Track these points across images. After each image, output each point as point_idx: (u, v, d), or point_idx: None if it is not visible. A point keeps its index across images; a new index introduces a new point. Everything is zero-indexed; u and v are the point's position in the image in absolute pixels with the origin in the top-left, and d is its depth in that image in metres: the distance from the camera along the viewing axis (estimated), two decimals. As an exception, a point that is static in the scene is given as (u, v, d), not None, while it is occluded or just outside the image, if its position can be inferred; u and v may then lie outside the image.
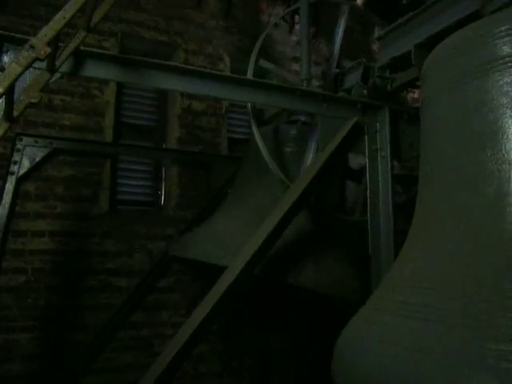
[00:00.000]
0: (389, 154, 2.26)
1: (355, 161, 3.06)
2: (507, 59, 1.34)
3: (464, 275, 1.16)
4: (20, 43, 1.60)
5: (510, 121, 1.29)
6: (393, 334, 1.23)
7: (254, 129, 2.58)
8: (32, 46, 1.27)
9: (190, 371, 3.59)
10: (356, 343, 1.35)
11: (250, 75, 2.56)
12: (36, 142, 3.21)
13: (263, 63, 2.91)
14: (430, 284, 1.24)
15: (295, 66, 4.41)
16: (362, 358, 1.29)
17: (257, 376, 3.62)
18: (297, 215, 2.09)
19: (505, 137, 1.29)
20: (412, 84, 2.42)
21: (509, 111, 1.30)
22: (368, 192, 2.26)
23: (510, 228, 1.13)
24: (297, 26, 4.31)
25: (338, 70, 2.83)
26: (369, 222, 2.22)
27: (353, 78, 2.70)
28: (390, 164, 2.25)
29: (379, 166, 2.27)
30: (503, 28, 1.38)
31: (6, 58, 1.67)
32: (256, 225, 2.24)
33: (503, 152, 1.27)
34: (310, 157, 2.58)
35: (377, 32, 2.57)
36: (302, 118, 2.99)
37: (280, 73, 3.42)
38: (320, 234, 2.72)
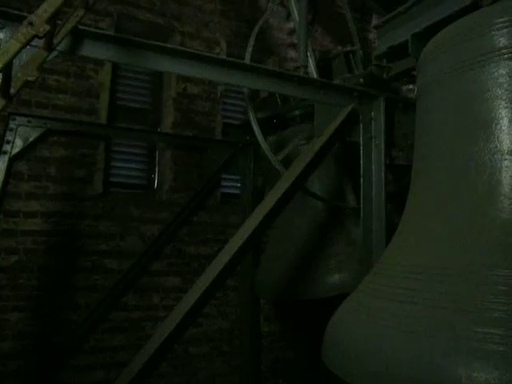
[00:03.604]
0: (383, 142, 2.28)
1: None
2: (503, 51, 1.36)
3: (454, 261, 1.19)
4: (17, 20, 1.58)
5: (503, 112, 1.32)
6: (382, 317, 1.27)
7: (252, 118, 2.59)
8: (31, 23, 1.26)
9: (181, 353, 3.64)
10: (346, 326, 1.39)
11: (247, 60, 2.56)
12: (29, 121, 3.19)
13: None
14: (420, 269, 1.27)
15: (291, 53, 4.40)
16: (351, 340, 1.32)
17: (247, 358, 3.67)
18: (290, 201, 2.11)
19: (498, 127, 1.31)
20: (408, 74, 2.44)
21: (503, 102, 1.33)
22: (361, 180, 2.29)
23: (500, 216, 1.17)
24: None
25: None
26: (361, 210, 2.25)
27: (338, 67, 2.74)
28: (383, 152, 2.27)
29: (373, 155, 2.29)
30: (500, 20, 1.39)
31: (1, 35, 1.65)
32: None
33: (496, 142, 1.30)
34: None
35: (374, 20, 2.58)
36: (297, 112, 2.99)
37: None
38: (331, 234, 2.76)
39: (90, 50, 1.76)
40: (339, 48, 2.74)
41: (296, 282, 2.70)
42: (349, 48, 2.74)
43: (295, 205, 2.61)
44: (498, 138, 1.29)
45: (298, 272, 2.70)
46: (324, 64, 2.90)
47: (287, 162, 2.61)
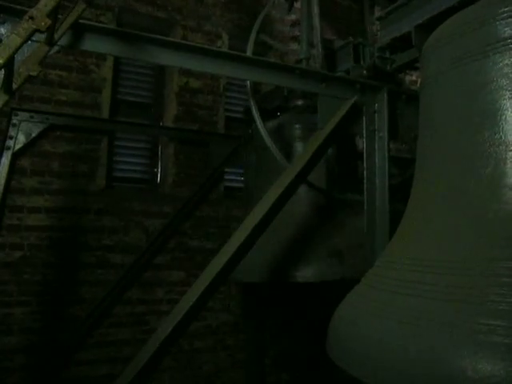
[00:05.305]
0: (386, 134, 2.27)
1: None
2: (508, 41, 1.34)
3: (458, 252, 1.18)
4: (18, 14, 1.57)
5: (508, 103, 1.31)
6: (387, 309, 1.26)
7: (254, 110, 2.57)
8: (32, 17, 1.26)
9: (185, 347, 3.65)
10: (351, 318, 1.39)
11: (249, 53, 2.55)
12: (32, 117, 3.20)
13: (263, 37, 2.87)
14: (424, 262, 1.27)
15: (293, 46, 4.38)
16: (356, 333, 1.32)
17: (251, 352, 3.68)
18: (294, 193, 2.10)
19: (502, 118, 1.30)
20: (411, 65, 2.42)
21: (508, 93, 1.31)
22: (365, 172, 2.28)
23: (505, 207, 1.16)
24: (296, 5, 4.26)
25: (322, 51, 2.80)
26: (365, 202, 2.24)
27: (343, 58, 2.71)
28: (387, 145, 2.26)
29: (376, 147, 2.28)
30: (505, 9, 1.38)
31: (2, 30, 1.65)
32: None
33: (500, 134, 1.29)
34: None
35: (377, 12, 2.56)
36: (299, 103, 2.97)
37: (279, 48, 3.38)
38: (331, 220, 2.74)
39: (91, 44, 1.76)
40: (350, 38, 2.69)
41: (280, 264, 2.64)
42: (360, 40, 2.70)
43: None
44: (502, 129, 1.28)
45: (284, 255, 2.65)
46: (328, 54, 2.86)
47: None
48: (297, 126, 2.86)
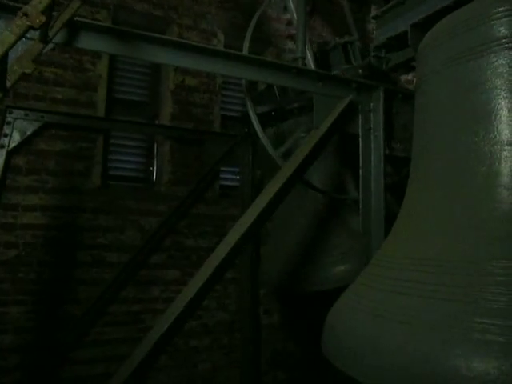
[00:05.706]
0: (382, 133, 2.27)
1: None
2: (503, 40, 1.35)
3: (453, 251, 1.18)
4: (12, 11, 1.56)
5: (503, 102, 1.31)
6: (382, 308, 1.27)
7: (250, 109, 2.57)
8: (26, 14, 1.24)
9: (181, 346, 3.65)
10: (346, 317, 1.39)
11: (245, 52, 2.54)
12: (26, 115, 3.17)
13: None
14: (419, 260, 1.27)
15: (290, 44, 4.38)
16: (351, 332, 1.32)
17: (247, 351, 3.68)
18: (289, 193, 2.10)
19: (497, 118, 1.30)
20: (407, 65, 2.42)
21: (502, 93, 1.32)
22: (360, 171, 2.28)
23: (500, 206, 1.16)
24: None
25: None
26: (360, 201, 2.25)
27: (336, 58, 2.73)
28: (382, 144, 2.27)
29: (372, 146, 2.29)
30: (500, 9, 1.38)
31: (-4, 27, 1.63)
32: None
33: (495, 133, 1.29)
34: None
35: (373, 11, 2.56)
36: (296, 105, 2.97)
37: None
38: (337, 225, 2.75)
39: (86, 42, 1.75)
40: (337, 39, 2.71)
41: (300, 274, 2.69)
42: (346, 39, 2.73)
43: (296, 197, 2.60)
44: (497, 128, 1.29)
45: (301, 265, 2.70)
46: (322, 55, 2.87)
47: (287, 156, 2.60)
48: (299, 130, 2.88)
